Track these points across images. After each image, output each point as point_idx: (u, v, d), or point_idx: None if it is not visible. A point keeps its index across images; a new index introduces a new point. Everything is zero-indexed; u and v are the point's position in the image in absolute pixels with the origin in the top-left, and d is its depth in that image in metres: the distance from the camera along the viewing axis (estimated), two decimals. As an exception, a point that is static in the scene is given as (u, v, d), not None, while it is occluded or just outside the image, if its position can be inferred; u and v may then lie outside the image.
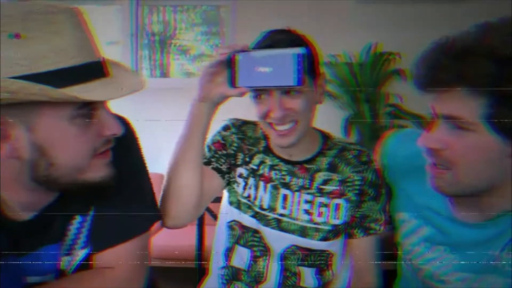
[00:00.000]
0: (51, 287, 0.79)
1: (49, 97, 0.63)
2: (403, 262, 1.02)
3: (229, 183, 1.09)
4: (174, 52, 3.51)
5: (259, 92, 0.95)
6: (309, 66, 0.92)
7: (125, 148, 0.82)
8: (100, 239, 0.82)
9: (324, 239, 1.02)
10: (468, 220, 0.86)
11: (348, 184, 1.03)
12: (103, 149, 0.74)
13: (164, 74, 3.50)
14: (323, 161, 1.04)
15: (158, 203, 0.94)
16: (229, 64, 0.89)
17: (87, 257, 0.83)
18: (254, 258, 1.06)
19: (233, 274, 1.09)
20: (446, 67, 0.73)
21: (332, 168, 1.04)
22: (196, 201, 0.98)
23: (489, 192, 0.80)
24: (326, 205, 1.02)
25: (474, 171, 0.77)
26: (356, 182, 1.03)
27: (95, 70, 0.70)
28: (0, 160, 0.68)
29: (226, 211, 1.11)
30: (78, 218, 0.81)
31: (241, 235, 1.07)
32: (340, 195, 1.02)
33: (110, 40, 3.24)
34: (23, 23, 0.63)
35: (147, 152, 0.94)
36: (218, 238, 1.14)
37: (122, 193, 0.82)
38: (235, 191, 1.08)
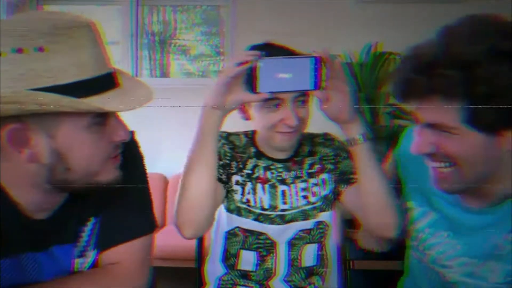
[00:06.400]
0: (54, 286, 0.81)
1: (77, 109, 0.68)
2: (412, 253, 1.03)
3: (227, 192, 1.11)
4: (174, 52, 3.52)
5: (272, 102, 1.00)
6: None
7: (129, 159, 0.86)
8: (106, 238, 0.86)
9: (321, 211, 1.11)
10: (472, 205, 0.90)
11: (324, 158, 1.14)
12: (114, 154, 0.79)
13: (164, 74, 3.51)
14: (305, 149, 1.15)
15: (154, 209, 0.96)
16: (249, 70, 0.90)
17: (96, 258, 0.86)
18: (261, 258, 1.10)
19: (240, 277, 1.12)
20: (417, 82, 0.78)
21: (312, 152, 1.16)
22: (214, 207, 1.01)
23: (488, 180, 0.85)
24: (316, 184, 1.12)
25: (473, 166, 0.82)
26: (330, 154, 1.15)
27: (108, 81, 0.74)
28: (19, 164, 0.72)
29: (226, 220, 1.12)
30: (92, 220, 0.85)
31: (245, 239, 1.10)
32: (322, 169, 1.13)
33: (110, 40, 3.24)
34: (47, 37, 0.67)
35: (146, 152, 0.95)
36: (215, 247, 1.15)
37: (126, 199, 0.87)
38: (233, 199, 1.10)
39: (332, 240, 1.15)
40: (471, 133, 0.78)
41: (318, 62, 0.91)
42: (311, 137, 1.17)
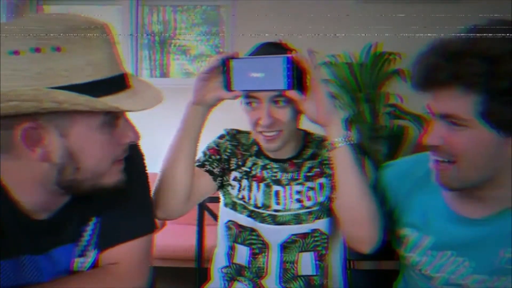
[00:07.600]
0: (54, 286, 0.81)
1: (93, 108, 0.69)
2: (412, 273, 1.00)
3: (223, 186, 1.16)
4: (174, 52, 3.52)
5: (250, 100, 1.03)
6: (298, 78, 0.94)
7: (130, 159, 0.86)
8: (106, 238, 0.86)
9: (317, 218, 1.09)
10: (471, 216, 0.88)
11: (325, 162, 1.11)
12: (121, 156, 0.80)
13: (164, 74, 3.51)
14: (307, 152, 1.14)
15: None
16: (224, 69, 0.95)
17: (97, 258, 0.87)
18: (253, 255, 1.11)
19: (236, 271, 1.13)
20: (441, 68, 0.78)
21: (314, 155, 1.13)
22: (187, 196, 1.04)
23: (490, 182, 0.84)
24: (312, 188, 1.10)
25: (475, 164, 0.82)
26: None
27: (121, 82, 0.76)
28: (30, 163, 0.72)
29: (222, 213, 1.18)
30: (93, 220, 0.86)
31: (238, 234, 1.12)
32: (321, 174, 1.11)
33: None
34: (64, 37, 0.68)
35: (147, 152, 0.95)
36: (220, 240, 1.19)
37: (127, 199, 0.87)
38: (229, 193, 1.15)
39: (336, 253, 1.13)
40: (482, 129, 0.78)
41: (290, 62, 0.90)
42: (320, 140, 1.14)
